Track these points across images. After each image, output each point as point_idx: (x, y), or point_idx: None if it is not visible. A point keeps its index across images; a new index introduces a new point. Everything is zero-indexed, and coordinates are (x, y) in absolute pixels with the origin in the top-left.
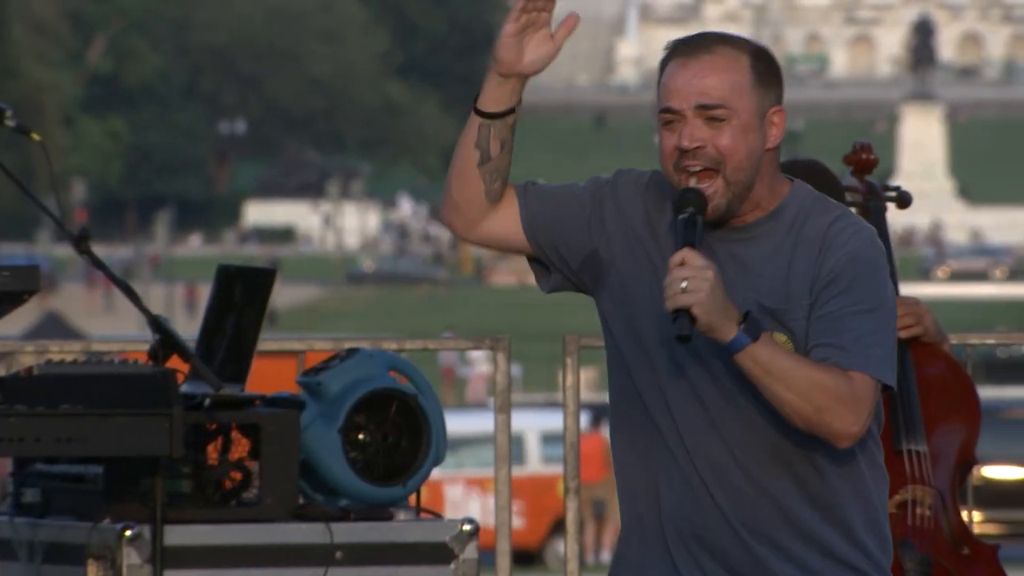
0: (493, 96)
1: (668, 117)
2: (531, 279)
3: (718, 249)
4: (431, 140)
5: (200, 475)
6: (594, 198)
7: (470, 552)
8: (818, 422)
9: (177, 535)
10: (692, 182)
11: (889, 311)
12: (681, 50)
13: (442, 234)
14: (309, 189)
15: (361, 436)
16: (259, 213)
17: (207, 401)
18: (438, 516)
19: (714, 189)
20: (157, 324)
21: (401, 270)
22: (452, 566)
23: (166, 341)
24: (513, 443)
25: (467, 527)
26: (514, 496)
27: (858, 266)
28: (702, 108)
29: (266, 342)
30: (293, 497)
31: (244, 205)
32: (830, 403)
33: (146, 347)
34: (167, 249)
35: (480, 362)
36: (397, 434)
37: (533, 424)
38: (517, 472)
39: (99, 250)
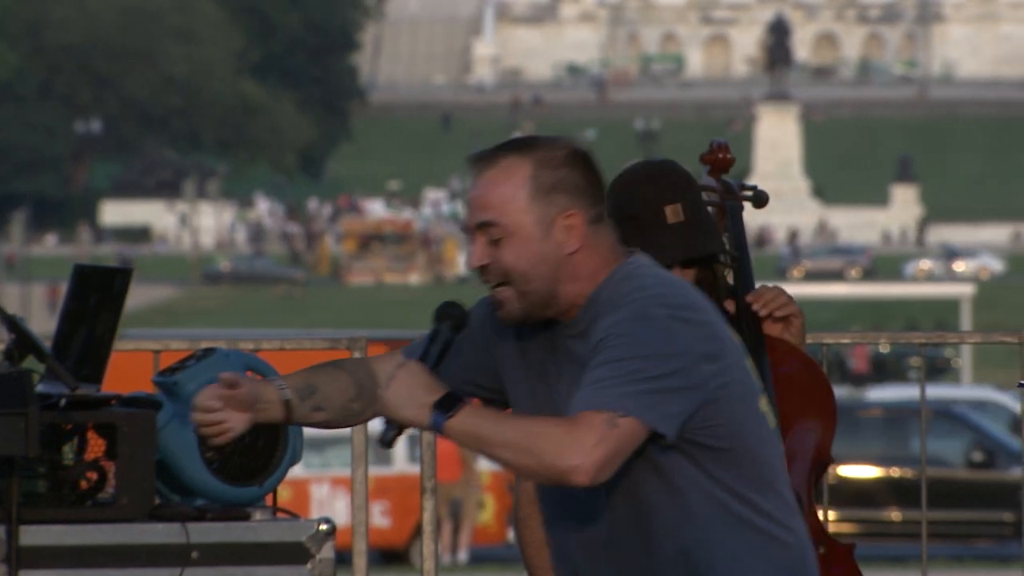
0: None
1: (467, 234)
2: (388, 278)
3: (561, 347)
4: (287, 139)
5: (56, 475)
6: (482, 327)
7: (327, 551)
8: (542, 468)
9: (32, 535)
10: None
11: (645, 361)
12: (472, 165)
13: (298, 233)
14: (165, 188)
15: None
16: (115, 212)
17: (63, 401)
18: (295, 516)
19: (505, 296)
20: (12, 323)
21: (258, 270)
22: (308, 566)
23: (21, 341)
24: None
25: (324, 527)
26: (380, 496)
27: (613, 335)
28: (481, 227)
29: (122, 341)
30: (149, 497)
31: (100, 204)
32: (545, 445)
33: (1, 347)
34: (23, 248)
35: None
36: (254, 434)
37: None
38: (383, 472)
39: None
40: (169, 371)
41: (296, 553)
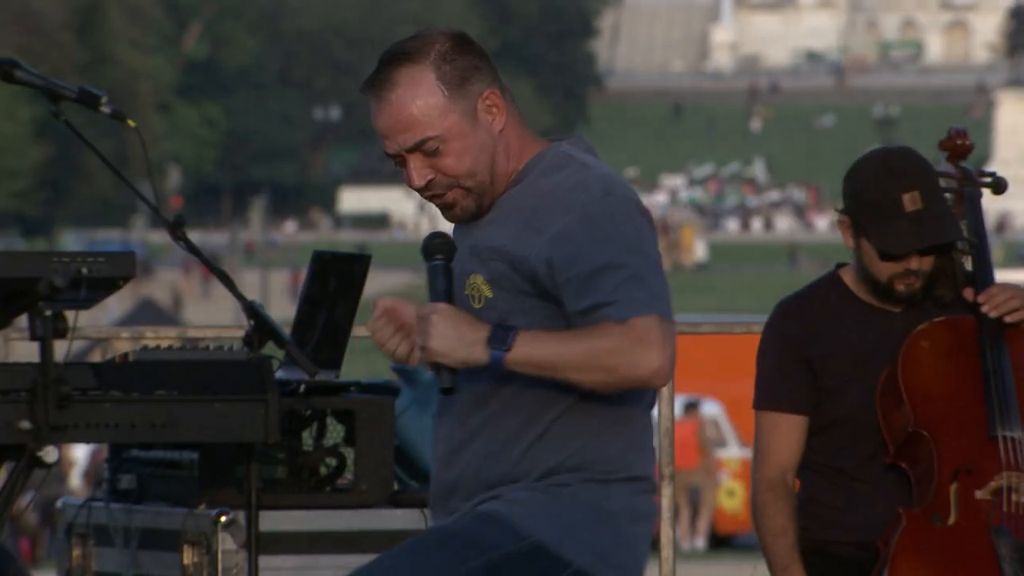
0: None
1: (395, 160)
2: None
3: (479, 224)
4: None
5: (295, 461)
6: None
7: None
8: (619, 382)
9: (272, 521)
10: (447, 211)
11: (637, 253)
12: (370, 92)
13: None
14: (401, 175)
15: None
16: (353, 199)
17: (302, 387)
18: None
19: (454, 197)
20: (252, 310)
21: None
22: None
23: (261, 327)
24: None
25: None
26: None
27: (592, 221)
28: (414, 148)
29: (361, 328)
30: (388, 483)
31: (339, 191)
32: (616, 360)
33: (241, 333)
34: (262, 235)
35: None
36: None
37: None
38: None
39: (194, 236)
40: None
41: None
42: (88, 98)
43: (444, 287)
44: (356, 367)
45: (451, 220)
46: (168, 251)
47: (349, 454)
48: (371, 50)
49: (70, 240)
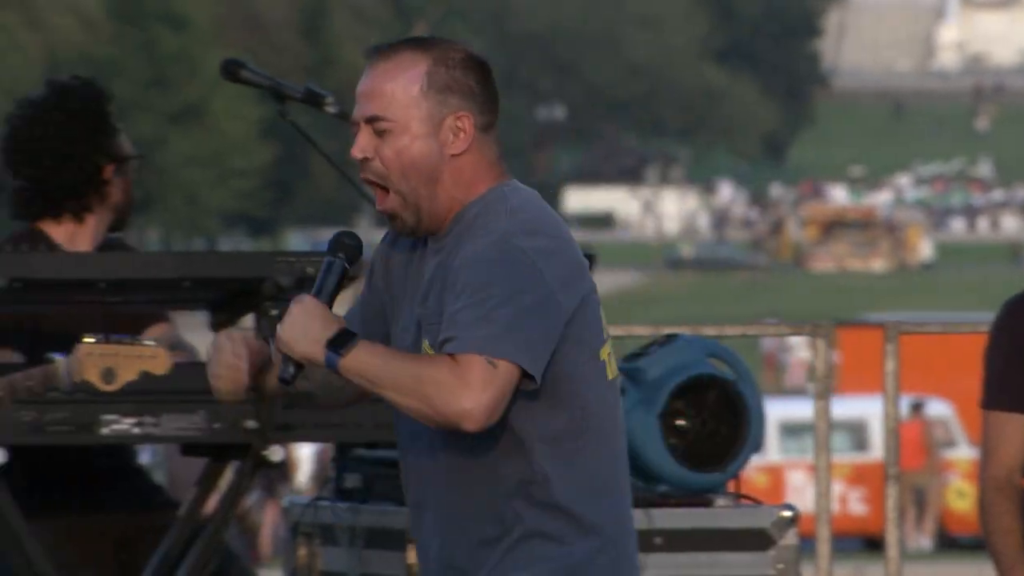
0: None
1: (353, 129)
2: (851, 265)
3: (429, 260)
4: (750, 125)
5: None
6: (371, 276)
7: (790, 538)
8: (431, 413)
9: None
10: (380, 202)
11: (508, 296)
12: (368, 56)
13: (760, 219)
14: (628, 174)
15: (680, 422)
16: (579, 198)
17: None
18: (757, 502)
19: (392, 205)
20: None
21: (720, 256)
22: (771, 552)
23: None
24: (858, 430)
25: (786, 513)
26: (859, 482)
27: (473, 265)
28: (369, 120)
29: None
30: None
31: (563, 190)
32: (434, 390)
33: None
34: None
35: (799, 348)
36: (716, 420)
37: (878, 411)
38: (860, 459)
39: None
40: (633, 357)
41: (759, 539)
42: (314, 98)
43: (328, 286)
44: None
45: (394, 230)
46: None
47: None
48: (595, 50)
49: (295, 240)
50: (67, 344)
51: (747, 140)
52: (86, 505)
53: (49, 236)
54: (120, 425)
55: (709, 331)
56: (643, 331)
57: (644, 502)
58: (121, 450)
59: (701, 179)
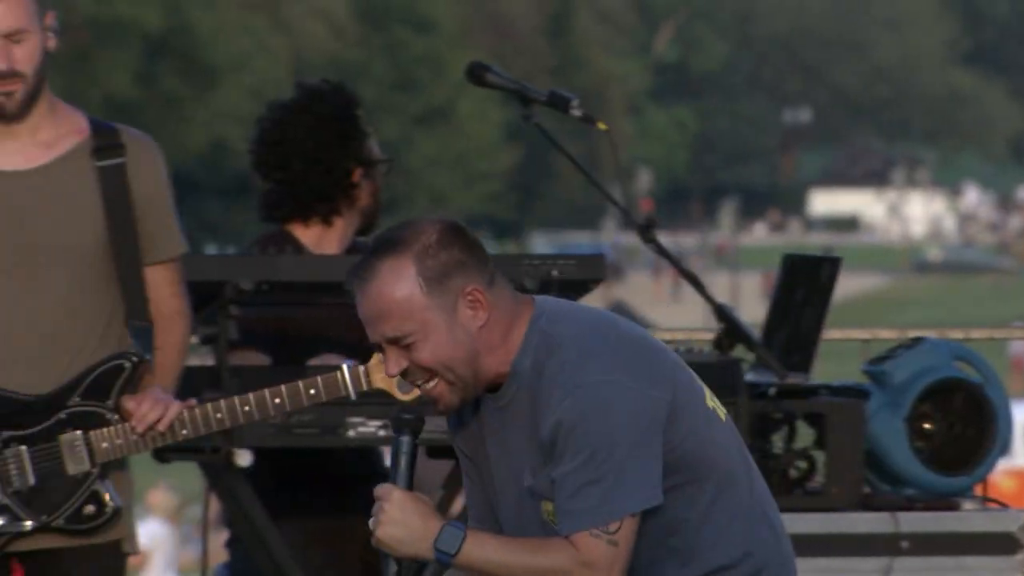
0: None
1: (376, 348)
2: None
3: (495, 419)
4: (998, 127)
5: (766, 464)
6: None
7: None
8: None
9: None
10: (424, 388)
11: (609, 443)
12: (354, 282)
13: (1008, 223)
14: (873, 177)
15: (927, 425)
16: (824, 201)
17: (772, 390)
18: (1004, 506)
19: (439, 391)
20: (722, 313)
21: (967, 259)
22: (1018, 556)
23: (731, 329)
24: None
25: None
26: None
27: (564, 426)
28: (391, 342)
29: (831, 330)
30: (859, 486)
31: (809, 193)
32: None
33: (711, 336)
34: (732, 238)
35: None
36: (963, 424)
37: None
38: None
39: (664, 239)
40: (878, 360)
41: (1005, 543)
42: (558, 101)
43: (405, 471)
44: (826, 370)
45: (437, 413)
46: (638, 254)
47: (819, 457)
48: (842, 52)
49: (540, 242)
50: (313, 346)
51: (994, 142)
52: (333, 507)
53: (297, 239)
54: (366, 428)
55: (956, 334)
56: (889, 335)
57: (890, 506)
58: (372, 453)
59: (947, 182)
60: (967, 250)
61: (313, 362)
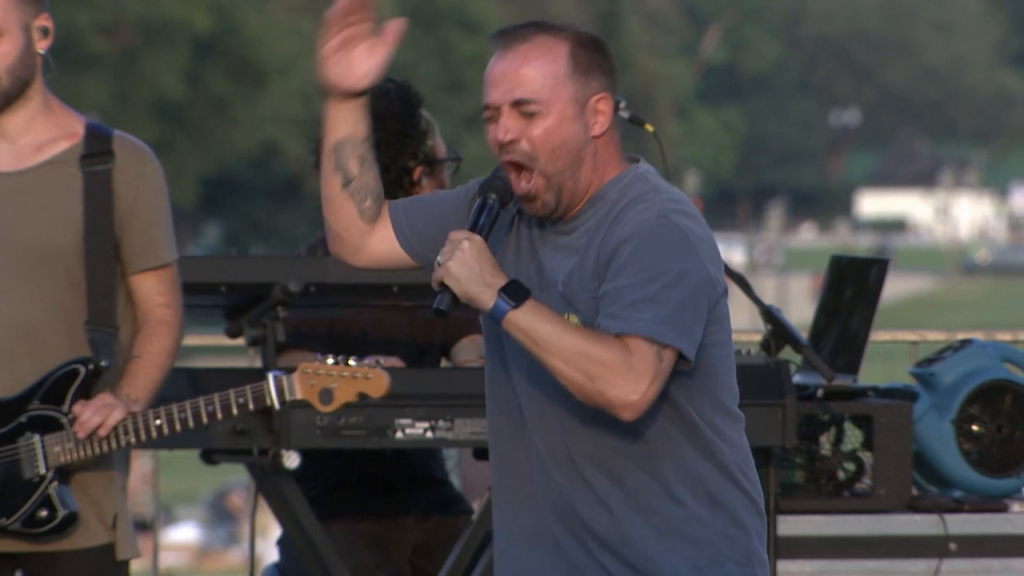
0: (334, 121)
1: (488, 113)
2: None
3: (550, 240)
4: None
5: (813, 465)
6: (469, 198)
7: None
8: (592, 392)
9: (790, 525)
10: (518, 184)
11: (675, 277)
12: (499, 40)
13: None
14: (922, 179)
15: (975, 427)
16: (872, 203)
17: (820, 392)
18: None
19: (535, 187)
20: (769, 315)
21: (1016, 261)
22: None
23: (778, 331)
24: None
25: None
26: None
27: (638, 240)
28: (516, 104)
29: (879, 332)
30: (907, 488)
31: (857, 195)
32: (601, 371)
33: (759, 337)
34: (780, 239)
35: None
36: (1011, 425)
37: None
38: None
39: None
40: (926, 362)
41: None
42: None
43: (485, 227)
44: (874, 372)
45: (531, 212)
46: None
47: (867, 459)
48: (892, 54)
49: None
50: (361, 348)
51: None
52: (384, 511)
53: None
54: (414, 429)
55: (1004, 336)
56: (937, 336)
57: (938, 507)
58: (427, 457)
59: (995, 183)
60: (1015, 252)
61: None
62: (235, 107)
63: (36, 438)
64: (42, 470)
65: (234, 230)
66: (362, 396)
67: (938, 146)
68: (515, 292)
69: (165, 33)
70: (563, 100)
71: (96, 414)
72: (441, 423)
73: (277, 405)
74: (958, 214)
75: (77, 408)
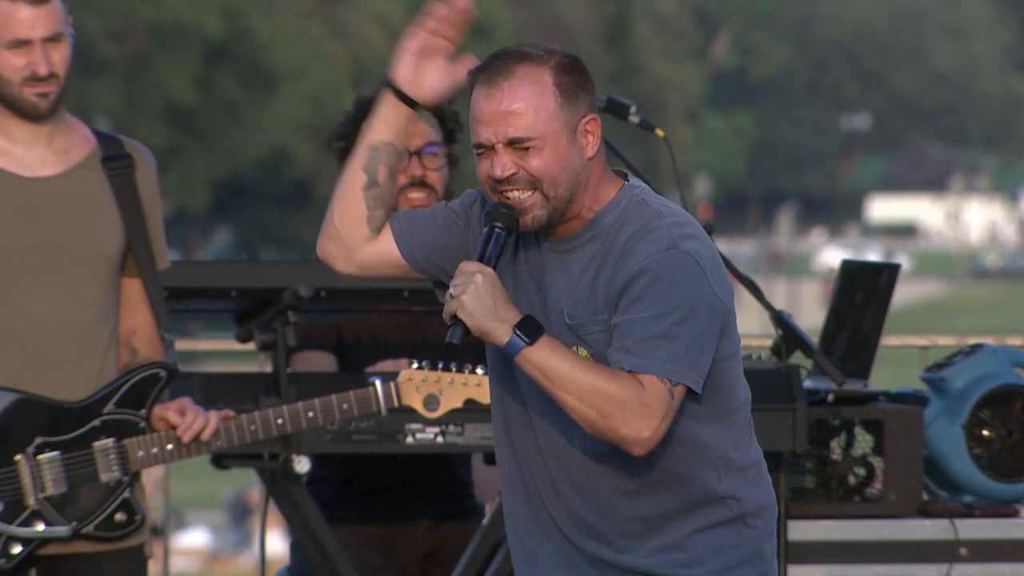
0: (382, 120)
1: (479, 151)
2: None
3: (547, 260)
4: None
5: (823, 470)
6: (466, 212)
7: None
8: (604, 428)
9: (800, 530)
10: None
11: (687, 311)
12: (481, 76)
13: None
14: (932, 184)
15: (985, 432)
16: (882, 208)
17: (830, 396)
18: None
19: (532, 202)
20: (780, 319)
21: None
22: None
23: (789, 336)
24: None
25: None
26: None
27: (651, 275)
28: (511, 143)
29: (889, 337)
30: (917, 493)
31: (867, 200)
32: (614, 409)
33: (769, 342)
34: (790, 244)
35: None
36: (1021, 430)
37: None
38: None
39: (722, 245)
40: (937, 367)
41: None
42: (617, 108)
43: (493, 257)
44: (884, 376)
45: (521, 225)
46: None
47: (878, 463)
48: (901, 59)
49: None
50: (371, 353)
51: None
52: (394, 516)
53: None
54: (424, 434)
55: (1014, 341)
56: (947, 341)
57: (949, 512)
58: (443, 462)
59: (1006, 188)
60: None
61: (371, 369)
62: (245, 112)
63: (112, 442)
64: (119, 475)
65: (245, 235)
66: (469, 402)
67: (948, 151)
68: (529, 328)
69: (175, 38)
70: (556, 131)
71: (197, 419)
72: (451, 428)
73: (384, 412)
74: (969, 219)
75: (171, 414)
